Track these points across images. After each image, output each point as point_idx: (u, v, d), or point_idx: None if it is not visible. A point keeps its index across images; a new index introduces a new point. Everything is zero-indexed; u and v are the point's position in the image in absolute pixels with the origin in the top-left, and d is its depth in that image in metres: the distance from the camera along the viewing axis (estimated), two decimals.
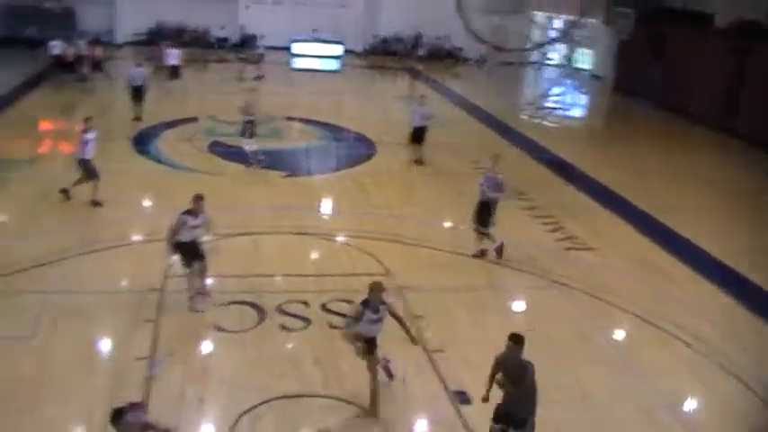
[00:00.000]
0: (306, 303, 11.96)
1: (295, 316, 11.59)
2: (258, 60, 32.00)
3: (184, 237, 11.50)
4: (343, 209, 16.76)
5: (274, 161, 19.37)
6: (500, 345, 8.03)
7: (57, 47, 29.23)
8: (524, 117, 28.85)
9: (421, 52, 38.12)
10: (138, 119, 23.11)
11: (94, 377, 9.82)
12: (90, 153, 15.75)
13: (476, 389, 8.96)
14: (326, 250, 14.46)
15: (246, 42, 37.96)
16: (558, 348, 11.10)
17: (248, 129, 19.09)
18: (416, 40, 41.07)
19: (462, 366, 10.47)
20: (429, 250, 14.42)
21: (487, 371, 8.18)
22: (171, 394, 9.51)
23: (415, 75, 32.73)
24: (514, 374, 7.88)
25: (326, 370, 10.24)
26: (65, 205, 15.67)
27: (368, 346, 9.20)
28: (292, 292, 12.33)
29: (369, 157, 19.64)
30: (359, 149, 21.65)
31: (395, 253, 14.09)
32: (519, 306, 13.04)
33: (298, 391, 9.72)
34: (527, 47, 39.18)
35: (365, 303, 9.01)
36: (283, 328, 11.28)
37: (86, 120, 15.98)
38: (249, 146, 19.11)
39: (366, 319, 9.01)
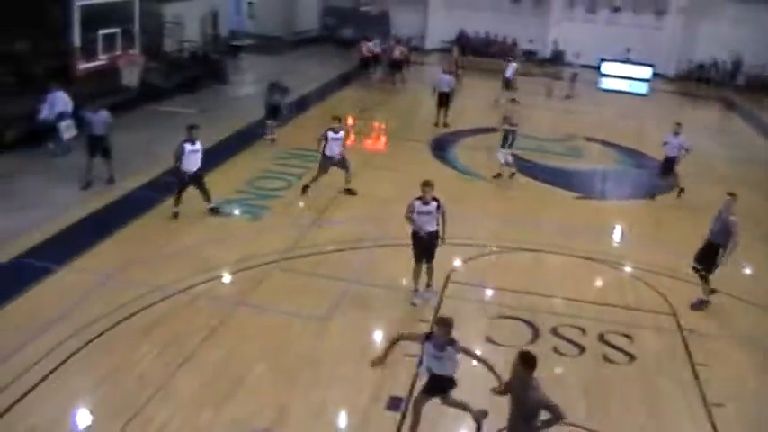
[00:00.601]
0: (582, 330, 11.57)
1: (569, 341, 11.26)
2: (572, 79, 31.37)
3: (415, 225, 11.78)
4: (634, 239, 15.96)
5: (568, 180, 19.03)
6: None
7: (370, 46, 30.99)
8: None
9: (739, 81, 35.54)
10: (444, 125, 23.65)
11: (364, 367, 10.20)
12: (333, 151, 16.43)
13: None
14: (611, 279, 13.85)
15: (557, 58, 37.68)
16: None
17: (509, 138, 18.76)
18: (735, 68, 37.91)
19: (740, 422, 9.66)
20: (724, 296, 13.29)
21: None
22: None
23: (729, 105, 30.59)
24: (517, 395, 7.42)
25: (593, 401, 9.85)
26: (355, 198, 16.56)
27: (429, 384, 8.64)
28: (570, 317, 11.99)
29: (670, 188, 18.58)
30: (658, 179, 20.60)
31: (684, 292, 13.12)
32: None
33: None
34: None
35: (427, 337, 8.37)
36: (555, 351, 11.00)
37: (336, 119, 16.72)
38: (504, 156, 18.81)
39: (427, 353, 8.41)
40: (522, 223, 15.83)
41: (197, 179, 15.01)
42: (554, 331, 11.49)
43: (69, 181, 16.56)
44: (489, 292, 12.69)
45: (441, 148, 21.53)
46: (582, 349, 11.11)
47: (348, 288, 12.42)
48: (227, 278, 12.88)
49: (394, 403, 9.47)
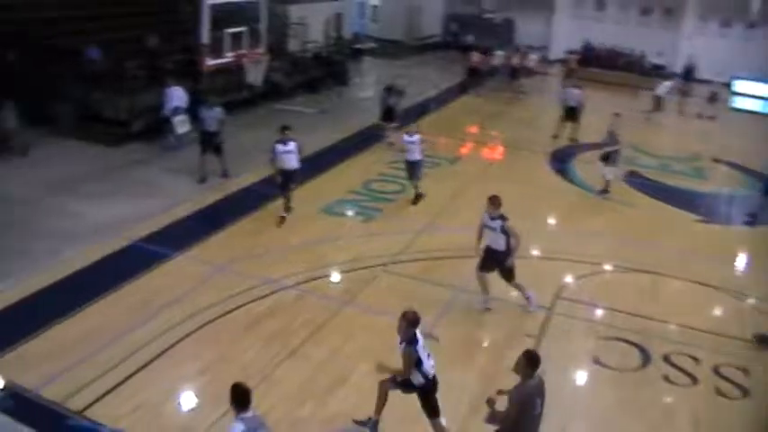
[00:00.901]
0: (696, 360, 11.07)
1: (682, 370, 10.80)
2: (711, 99, 29.85)
3: (486, 238, 11.67)
4: (758, 268, 15.09)
5: (690, 202, 18.34)
6: None
7: (498, 57, 30.65)
8: None
9: None
10: (572, 140, 22.97)
11: (465, 373, 10.14)
12: (413, 156, 16.24)
13: None
14: (731, 309, 13.14)
15: (689, 74, 36.31)
16: None
17: (612, 155, 18.04)
18: None
19: None
20: None
21: None
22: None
23: None
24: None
25: None
26: (468, 206, 16.37)
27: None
28: (684, 344, 11.49)
29: None
30: None
31: None
32: None
33: None
34: None
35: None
36: (666, 379, 10.58)
37: (284, 129, 14.99)
38: (608, 173, 18.20)
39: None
40: (639, 243, 15.32)
41: (290, 178, 14.88)
42: (666, 358, 11.05)
43: (187, 173, 17.13)
44: (600, 312, 12.34)
45: (559, 160, 21.13)
46: (694, 380, 10.63)
47: (456, 296, 12.33)
48: (336, 277, 13.04)
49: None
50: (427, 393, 8.34)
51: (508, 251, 11.58)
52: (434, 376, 8.34)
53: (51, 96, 19.71)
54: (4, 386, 9.17)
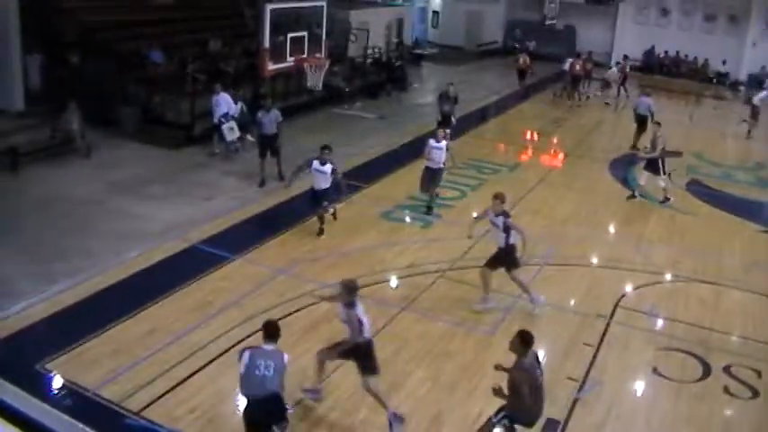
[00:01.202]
0: (758, 373, 10.82)
1: (743, 382, 10.57)
2: None
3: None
4: None
5: (754, 212, 17.95)
6: None
7: (567, 63, 30.34)
8: None
9: None
10: (633, 146, 22.45)
11: None
12: (436, 163, 15.74)
13: None
14: None
15: (762, 83, 35.34)
16: None
17: (655, 163, 17.59)
18: None
19: None
20: None
21: None
22: (591, 423, 9.42)
23: None
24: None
25: None
26: (529, 214, 16.28)
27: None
28: (745, 357, 11.25)
29: None
30: None
31: None
32: None
33: None
34: None
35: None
36: (726, 391, 10.35)
37: (323, 148, 14.48)
38: (665, 182, 17.83)
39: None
40: (701, 253, 15.06)
41: (320, 197, 14.39)
42: (727, 370, 10.82)
43: (246, 177, 17.39)
44: (660, 322, 12.15)
45: (619, 167, 20.88)
46: (755, 393, 10.40)
47: (514, 303, 12.24)
48: (394, 282, 13.06)
49: (551, 425, 9.24)
50: (370, 351, 8.90)
51: (507, 248, 11.63)
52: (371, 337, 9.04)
53: (115, 99, 20.18)
54: (64, 384, 9.36)
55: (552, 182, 19.14)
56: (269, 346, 7.74)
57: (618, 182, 19.67)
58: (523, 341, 8.04)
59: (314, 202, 14.57)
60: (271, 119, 17.01)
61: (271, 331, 7.87)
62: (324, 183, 14.33)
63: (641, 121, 22.69)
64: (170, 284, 12.04)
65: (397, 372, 10.15)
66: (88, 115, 18.52)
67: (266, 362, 7.58)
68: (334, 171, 14.30)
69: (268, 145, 17.13)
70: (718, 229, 16.80)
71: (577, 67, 29.84)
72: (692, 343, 11.52)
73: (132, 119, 20.16)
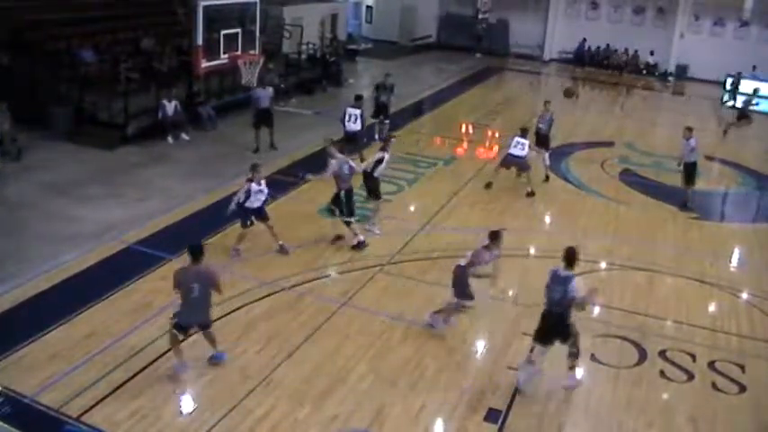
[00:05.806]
0: (693, 356, 11.12)
1: (678, 366, 10.85)
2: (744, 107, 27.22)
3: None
4: (753, 264, 15.18)
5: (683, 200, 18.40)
6: None
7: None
8: None
9: None
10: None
11: (463, 375, 10.21)
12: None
13: None
14: (726, 305, 13.19)
15: (682, 72, 36.22)
16: None
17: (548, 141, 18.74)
18: None
19: None
20: None
21: None
22: (531, 412, 9.57)
23: None
24: None
25: (699, 431, 9.49)
26: (466, 205, 16.44)
27: None
28: (680, 341, 11.56)
29: None
30: None
31: None
32: None
33: None
34: None
35: None
36: (663, 375, 10.63)
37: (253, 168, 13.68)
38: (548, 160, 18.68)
39: None
40: (635, 241, 15.40)
41: (262, 217, 13.73)
42: (662, 355, 11.11)
43: (180, 177, 17.19)
44: (596, 310, 12.36)
45: (553, 159, 21.12)
46: (691, 376, 10.69)
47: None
48: (333, 278, 13.03)
49: (492, 415, 9.36)
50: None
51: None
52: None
53: (46, 99, 19.68)
54: (1, 392, 9.14)
55: (488, 174, 19.29)
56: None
57: (553, 172, 19.93)
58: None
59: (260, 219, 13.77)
60: (266, 95, 19.27)
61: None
62: (259, 203, 13.58)
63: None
64: (108, 286, 11.84)
65: (338, 367, 10.15)
66: (19, 116, 18.08)
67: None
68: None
69: (262, 117, 19.28)
70: (651, 217, 17.18)
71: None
72: (629, 329, 11.79)
73: (64, 119, 19.68)
